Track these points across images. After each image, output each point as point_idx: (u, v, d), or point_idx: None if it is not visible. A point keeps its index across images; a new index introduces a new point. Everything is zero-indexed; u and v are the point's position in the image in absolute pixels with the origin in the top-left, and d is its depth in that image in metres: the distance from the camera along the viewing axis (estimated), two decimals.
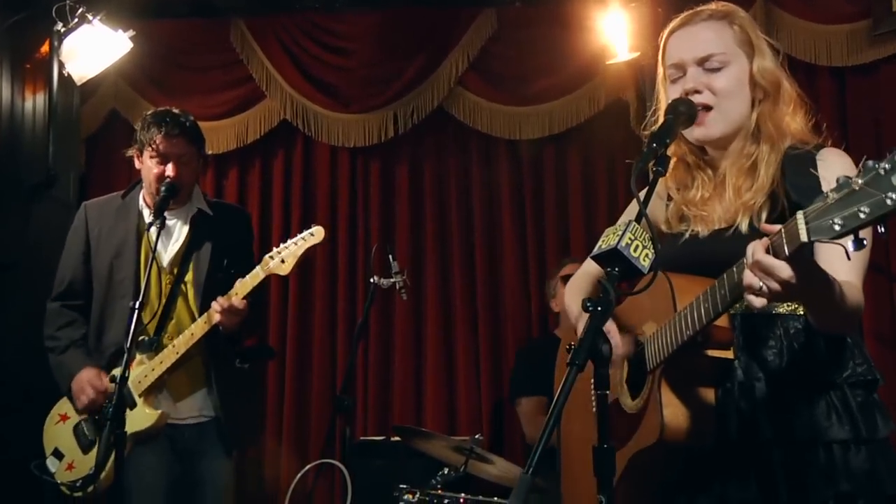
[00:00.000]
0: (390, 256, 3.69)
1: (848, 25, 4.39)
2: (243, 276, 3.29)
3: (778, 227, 1.57)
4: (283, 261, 3.20)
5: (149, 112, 3.43)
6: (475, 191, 5.30)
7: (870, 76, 4.40)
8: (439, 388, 5.09)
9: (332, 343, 5.21)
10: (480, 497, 3.58)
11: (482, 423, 4.97)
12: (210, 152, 5.37)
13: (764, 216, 1.88)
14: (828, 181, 1.78)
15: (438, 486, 3.48)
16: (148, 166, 3.35)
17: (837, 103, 4.52)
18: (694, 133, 1.97)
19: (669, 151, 2.01)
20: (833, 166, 1.85)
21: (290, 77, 5.35)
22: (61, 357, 3.40)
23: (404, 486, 3.49)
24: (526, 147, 5.26)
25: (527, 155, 5.27)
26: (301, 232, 3.26)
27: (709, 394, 1.85)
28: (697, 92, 1.94)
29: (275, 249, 3.24)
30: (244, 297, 3.19)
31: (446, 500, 3.45)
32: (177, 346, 3.25)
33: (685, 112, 1.90)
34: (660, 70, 2.06)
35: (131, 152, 3.43)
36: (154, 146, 3.30)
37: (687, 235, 1.98)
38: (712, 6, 2.04)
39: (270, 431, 5.14)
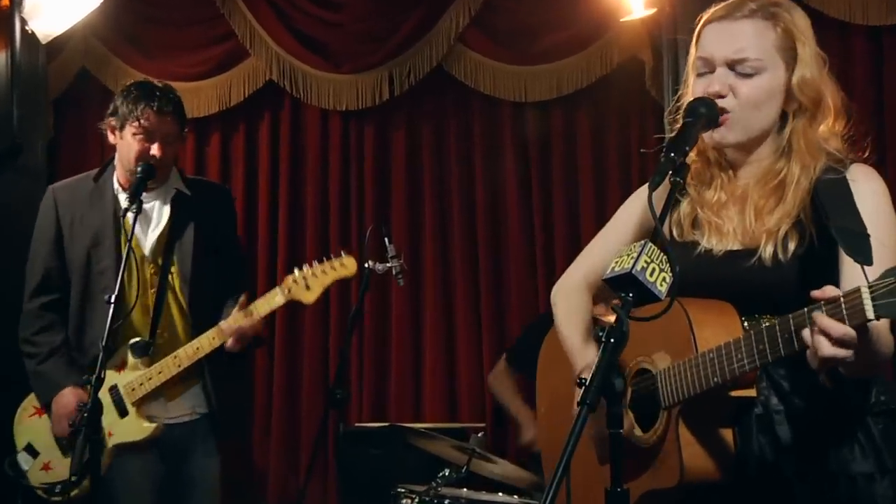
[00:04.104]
0: (386, 239, 3.68)
1: None
2: (228, 262, 3.29)
3: (835, 293, 1.57)
4: (308, 287, 3.19)
5: (132, 83, 3.36)
6: (477, 157, 5.26)
7: None
8: (439, 378, 5.10)
9: (325, 332, 5.21)
10: (483, 493, 3.62)
11: (485, 414, 4.99)
12: (190, 116, 5.34)
13: (791, 247, 1.85)
14: (866, 218, 1.78)
15: (439, 488, 3.51)
16: (128, 143, 3.28)
17: (873, 66, 4.47)
18: (710, 137, 1.94)
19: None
20: (865, 197, 1.83)
21: (276, 33, 5.28)
22: (42, 367, 3.36)
23: (402, 489, 3.53)
24: (532, 109, 5.20)
25: (533, 118, 5.21)
26: (327, 259, 3.25)
27: (727, 431, 1.86)
28: (721, 96, 1.90)
29: (297, 272, 3.22)
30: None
31: (447, 501, 3.49)
32: (179, 359, 3.24)
33: (706, 114, 1.86)
34: (692, 52, 2.02)
35: (106, 125, 3.35)
36: (141, 122, 3.24)
37: (700, 250, 1.95)
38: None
39: (259, 426, 5.17)
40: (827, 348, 1.58)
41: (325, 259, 3.25)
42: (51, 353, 3.36)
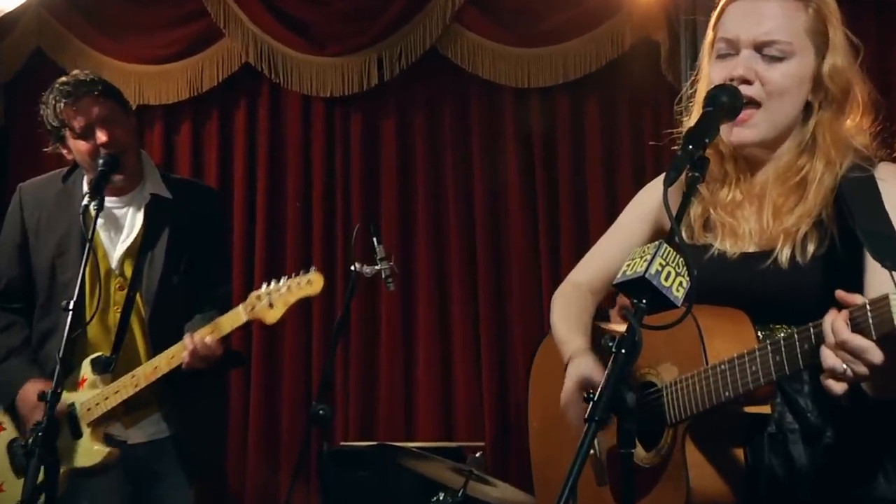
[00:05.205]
0: (375, 239, 3.68)
1: None
2: (206, 281, 3.29)
3: (860, 300, 1.59)
4: (271, 305, 3.21)
5: (42, 96, 3.33)
6: (475, 149, 5.28)
7: None
8: (433, 393, 5.13)
9: (307, 342, 5.23)
10: None
11: (484, 432, 5.03)
12: (158, 102, 5.37)
13: (810, 249, 1.87)
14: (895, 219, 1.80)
15: None
16: (77, 149, 3.29)
17: None
18: (730, 135, 1.95)
19: None
20: (895, 198, 1.84)
21: (254, 11, 5.30)
22: (1, 367, 3.38)
23: None
24: (536, 96, 5.23)
25: (537, 106, 5.24)
26: (295, 275, 3.24)
27: (738, 450, 1.87)
28: (747, 82, 1.91)
29: (263, 288, 3.23)
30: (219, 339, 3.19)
31: None
32: (137, 378, 3.23)
33: (728, 103, 1.87)
34: (709, 34, 2.04)
35: (54, 148, 3.37)
36: (70, 124, 3.25)
37: (713, 253, 1.97)
38: None
39: (234, 447, 5.16)
40: (832, 359, 1.60)
41: (292, 274, 3.26)
42: (9, 354, 3.38)
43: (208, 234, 3.49)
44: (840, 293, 1.63)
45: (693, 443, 1.87)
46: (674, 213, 1.72)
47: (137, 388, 3.24)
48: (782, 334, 1.73)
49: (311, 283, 3.24)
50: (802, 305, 1.78)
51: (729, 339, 1.85)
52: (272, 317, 3.22)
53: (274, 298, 3.21)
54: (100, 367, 3.29)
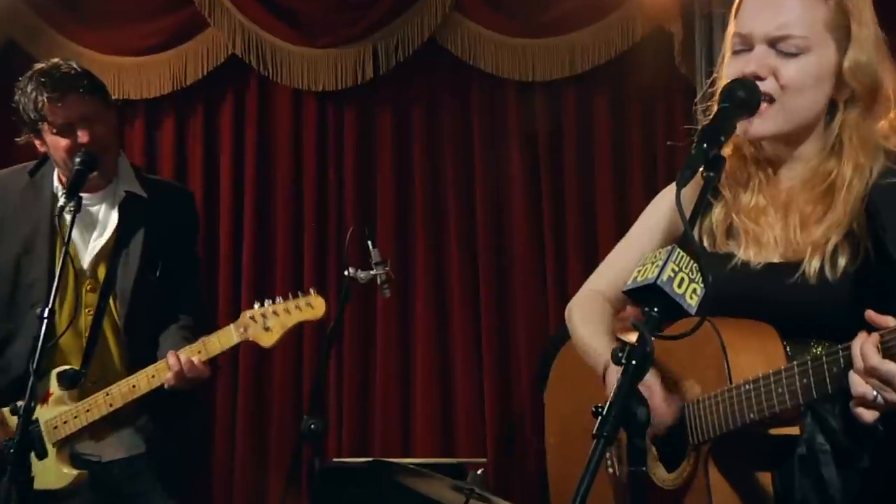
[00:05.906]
0: (370, 242, 3.69)
1: None
2: (181, 284, 3.29)
3: (892, 322, 1.58)
4: (267, 328, 3.21)
5: (20, 80, 3.30)
6: (477, 147, 5.29)
7: None
8: (432, 406, 5.13)
9: (298, 351, 5.23)
10: None
11: (486, 447, 5.04)
12: (139, 97, 5.37)
13: (841, 264, 1.85)
14: None
15: None
16: (53, 144, 3.27)
17: None
18: (744, 127, 1.93)
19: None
20: None
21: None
22: None
23: None
24: (541, 90, 5.23)
25: (542, 100, 5.25)
26: (293, 296, 3.24)
27: (764, 474, 1.87)
28: (759, 78, 1.89)
29: (257, 307, 3.23)
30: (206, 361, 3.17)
31: None
32: (112, 397, 3.21)
33: (745, 98, 1.86)
34: (730, 27, 2.04)
35: (25, 139, 3.34)
36: (49, 119, 3.22)
37: (736, 262, 1.96)
38: None
39: (221, 462, 5.18)
40: (862, 386, 1.60)
41: (290, 296, 3.27)
42: None
43: (183, 236, 3.51)
44: (870, 314, 1.62)
45: (716, 465, 1.87)
46: (696, 213, 1.72)
47: (112, 409, 3.21)
48: (808, 357, 1.73)
49: (311, 306, 3.26)
50: (831, 322, 1.77)
51: (755, 356, 1.84)
52: (268, 340, 3.23)
53: (270, 321, 3.21)
54: (67, 381, 3.25)
